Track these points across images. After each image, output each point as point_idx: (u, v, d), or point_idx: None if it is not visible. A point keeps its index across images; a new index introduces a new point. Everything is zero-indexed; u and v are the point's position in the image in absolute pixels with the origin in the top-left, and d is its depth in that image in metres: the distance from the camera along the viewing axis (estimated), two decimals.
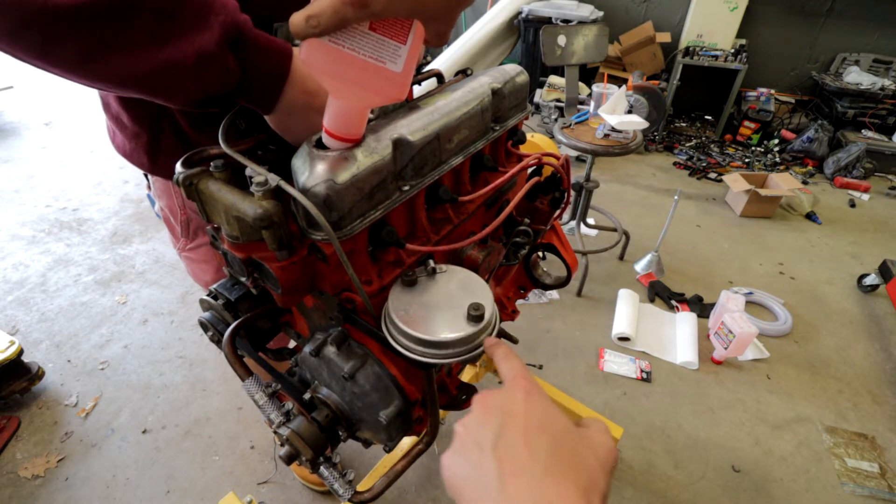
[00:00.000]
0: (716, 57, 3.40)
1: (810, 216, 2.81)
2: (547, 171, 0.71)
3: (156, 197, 0.82)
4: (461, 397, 0.65)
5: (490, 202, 0.68)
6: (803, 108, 3.75)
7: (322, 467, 0.53)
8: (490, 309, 0.48)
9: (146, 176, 0.81)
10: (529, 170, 0.68)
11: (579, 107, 2.44)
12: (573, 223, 2.28)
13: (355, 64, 0.37)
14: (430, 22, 0.37)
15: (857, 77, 3.38)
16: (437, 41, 0.40)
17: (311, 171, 0.42)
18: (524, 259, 0.83)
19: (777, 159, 3.46)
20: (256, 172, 0.42)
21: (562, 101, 3.37)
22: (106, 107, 0.68)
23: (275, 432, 0.52)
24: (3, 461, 1.47)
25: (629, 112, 2.12)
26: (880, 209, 2.98)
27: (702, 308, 2.08)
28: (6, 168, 3.21)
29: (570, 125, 2.05)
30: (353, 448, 1.53)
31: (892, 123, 3.37)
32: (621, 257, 2.41)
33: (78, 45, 0.40)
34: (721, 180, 3.14)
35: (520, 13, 3.36)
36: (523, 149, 0.72)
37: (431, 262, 0.52)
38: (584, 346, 1.91)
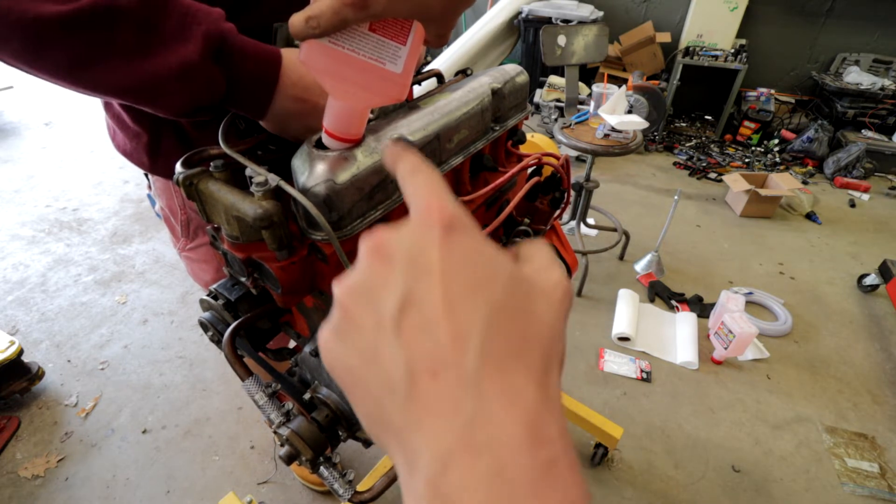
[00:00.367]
0: (716, 57, 3.40)
1: (810, 216, 2.81)
2: (547, 171, 0.71)
3: (156, 196, 0.82)
4: None
5: (490, 202, 0.68)
6: (803, 108, 3.74)
7: (322, 467, 0.53)
8: None
9: (146, 175, 0.81)
10: (529, 170, 0.68)
11: (579, 107, 2.44)
12: (573, 223, 2.28)
13: (355, 65, 0.37)
14: (430, 23, 0.37)
15: (857, 77, 3.38)
16: (438, 42, 0.40)
17: (311, 171, 0.42)
18: None
19: (777, 159, 3.46)
20: (256, 172, 0.42)
21: (562, 101, 3.37)
22: (107, 106, 0.68)
23: (275, 432, 0.52)
24: (3, 461, 1.47)
25: (629, 112, 2.12)
26: (880, 209, 2.98)
27: (702, 308, 2.08)
28: (6, 168, 3.21)
29: (570, 125, 2.05)
30: (353, 448, 1.53)
31: (892, 123, 3.37)
32: (621, 257, 2.41)
33: (64, 53, 0.40)
34: (721, 180, 3.14)
35: (520, 13, 3.36)
36: (523, 149, 0.72)
37: None
38: (584, 346, 1.91)
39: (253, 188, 0.41)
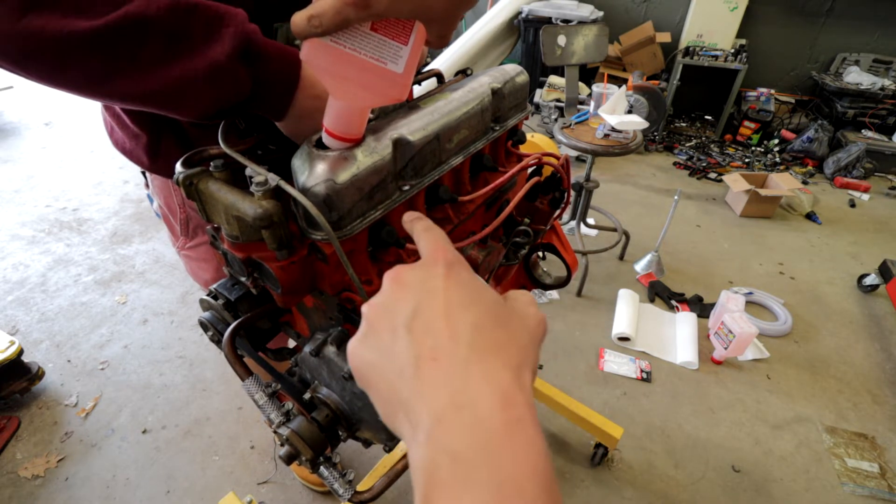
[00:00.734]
0: (716, 57, 3.41)
1: (810, 216, 2.82)
2: (547, 171, 0.71)
3: (154, 195, 0.82)
4: None
5: (490, 202, 0.68)
6: (803, 108, 3.75)
7: (322, 467, 0.53)
8: None
9: (144, 174, 0.81)
10: (529, 170, 0.68)
11: (579, 107, 2.44)
12: (573, 223, 2.28)
13: (356, 64, 0.37)
14: (431, 23, 0.37)
15: (857, 77, 3.38)
16: (439, 43, 0.40)
17: (311, 171, 0.42)
18: (524, 259, 0.83)
19: (777, 159, 3.46)
20: (256, 172, 0.42)
21: (562, 101, 3.37)
22: (106, 105, 0.68)
23: (275, 432, 0.52)
24: (3, 461, 1.47)
25: (629, 112, 2.12)
26: (880, 209, 2.98)
27: (702, 308, 2.08)
28: (6, 168, 3.21)
29: (570, 125, 2.05)
30: (353, 448, 1.53)
31: (892, 123, 3.37)
32: (621, 257, 2.41)
33: (90, 69, 0.40)
34: (721, 180, 3.14)
35: (520, 13, 3.36)
36: (523, 149, 0.72)
37: None
38: (584, 346, 1.91)
39: (253, 188, 0.41)
